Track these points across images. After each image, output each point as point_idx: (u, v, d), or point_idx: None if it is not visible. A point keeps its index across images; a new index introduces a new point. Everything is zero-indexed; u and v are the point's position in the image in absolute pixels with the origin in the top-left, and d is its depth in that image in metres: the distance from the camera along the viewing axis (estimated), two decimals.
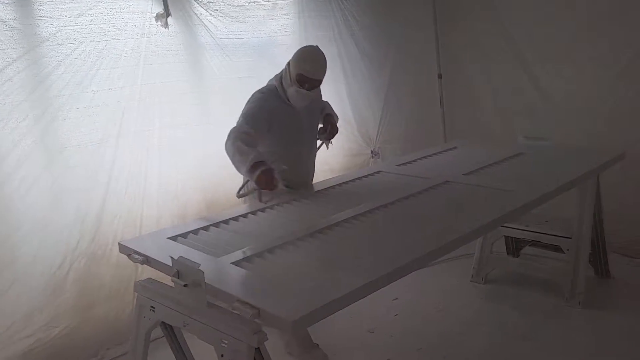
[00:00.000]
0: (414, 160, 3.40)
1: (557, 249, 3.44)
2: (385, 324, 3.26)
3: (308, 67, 2.61)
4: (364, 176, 3.11)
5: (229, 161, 2.57)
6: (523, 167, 3.16)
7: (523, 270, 3.66)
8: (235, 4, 3.63)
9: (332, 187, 2.93)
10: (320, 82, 2.70)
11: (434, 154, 3.55)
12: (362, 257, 1.97)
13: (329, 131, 2.97)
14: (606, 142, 3.75)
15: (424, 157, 3.47)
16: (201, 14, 3.46)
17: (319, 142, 3.04)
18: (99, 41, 2.94)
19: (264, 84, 2.85)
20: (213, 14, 3.52)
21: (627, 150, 3.37)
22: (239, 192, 2.69)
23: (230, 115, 3.45)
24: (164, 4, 3.15)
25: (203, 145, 3.45)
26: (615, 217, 3.70)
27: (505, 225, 3.52)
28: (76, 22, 2.86)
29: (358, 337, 3.10)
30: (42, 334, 2.88)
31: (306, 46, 2.78)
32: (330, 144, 3.07)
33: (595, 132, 3.91)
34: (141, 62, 3.13)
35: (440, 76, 4.80)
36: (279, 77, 2.77)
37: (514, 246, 3.85)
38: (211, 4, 3.49)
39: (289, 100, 2.73)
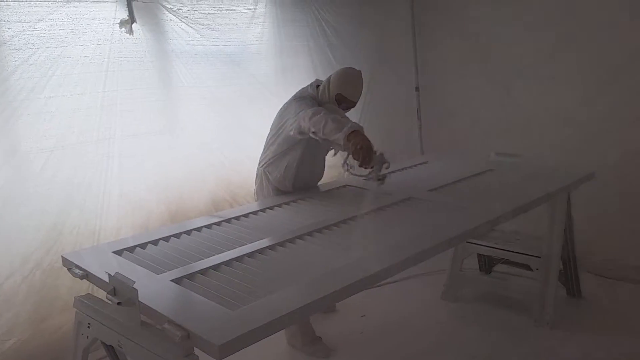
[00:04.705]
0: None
1: (528, 267, 3.38)
2: (349, 342, 3.17)
3: (350, 90, 2.71)
4: (328, 190, 3.04)
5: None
6: (489, 184, 3.09)
7: (493, 289, 3.60)
8: (207, 12, 3.58)
9: (295, 200, 2.86)
10: (355, 104, 2.82)
11: (404, 168, 3.48)
12: (299, 279, 1.87)
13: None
14: (580, 160, 3.69)
15: (393, 172, 3.39)
16: (171, 19, 3.41)
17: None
18: (56, 47, 2.88)
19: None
20: (184, 20, 3.48)
21: (599, 169, 3.31)
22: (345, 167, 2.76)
23: (198, 124, 3.44)
24: (128, 11, 3.09)
25: (168, 155, 3.38)
26: (588, 237, 3.64)
27: (474, 242, 3.46)
28: (35, 27, 2.81)
29: None
30: None
31: (349, 68, 2.84)
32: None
33: (571, 149, 3.88)
34: (103, 69, 3.07)
35: (417, 89, 4.76)
36: (314, 87, 2.85)
37: (486, 263, 3.79)
38: (182, 11, 3.44)
39: None
